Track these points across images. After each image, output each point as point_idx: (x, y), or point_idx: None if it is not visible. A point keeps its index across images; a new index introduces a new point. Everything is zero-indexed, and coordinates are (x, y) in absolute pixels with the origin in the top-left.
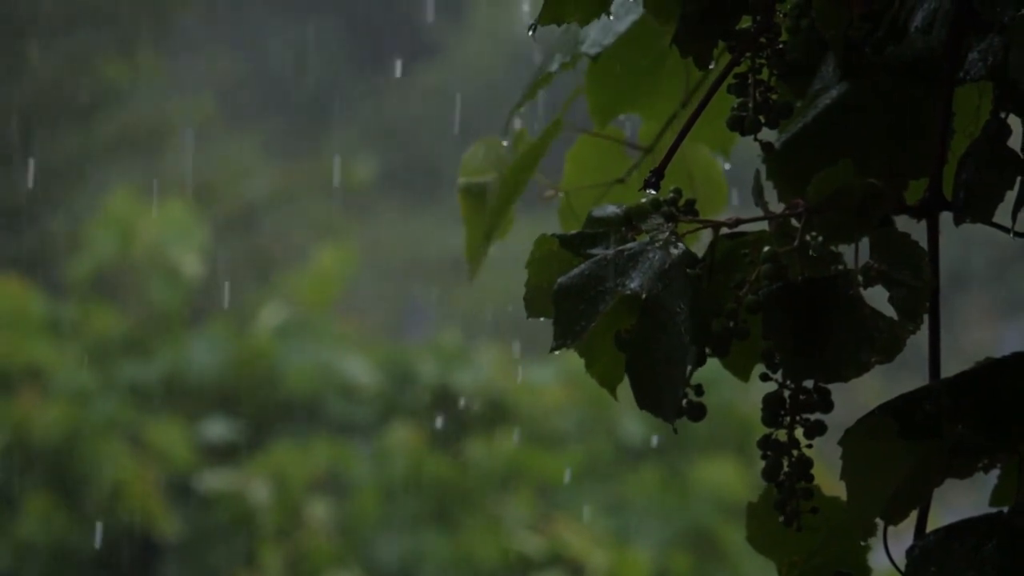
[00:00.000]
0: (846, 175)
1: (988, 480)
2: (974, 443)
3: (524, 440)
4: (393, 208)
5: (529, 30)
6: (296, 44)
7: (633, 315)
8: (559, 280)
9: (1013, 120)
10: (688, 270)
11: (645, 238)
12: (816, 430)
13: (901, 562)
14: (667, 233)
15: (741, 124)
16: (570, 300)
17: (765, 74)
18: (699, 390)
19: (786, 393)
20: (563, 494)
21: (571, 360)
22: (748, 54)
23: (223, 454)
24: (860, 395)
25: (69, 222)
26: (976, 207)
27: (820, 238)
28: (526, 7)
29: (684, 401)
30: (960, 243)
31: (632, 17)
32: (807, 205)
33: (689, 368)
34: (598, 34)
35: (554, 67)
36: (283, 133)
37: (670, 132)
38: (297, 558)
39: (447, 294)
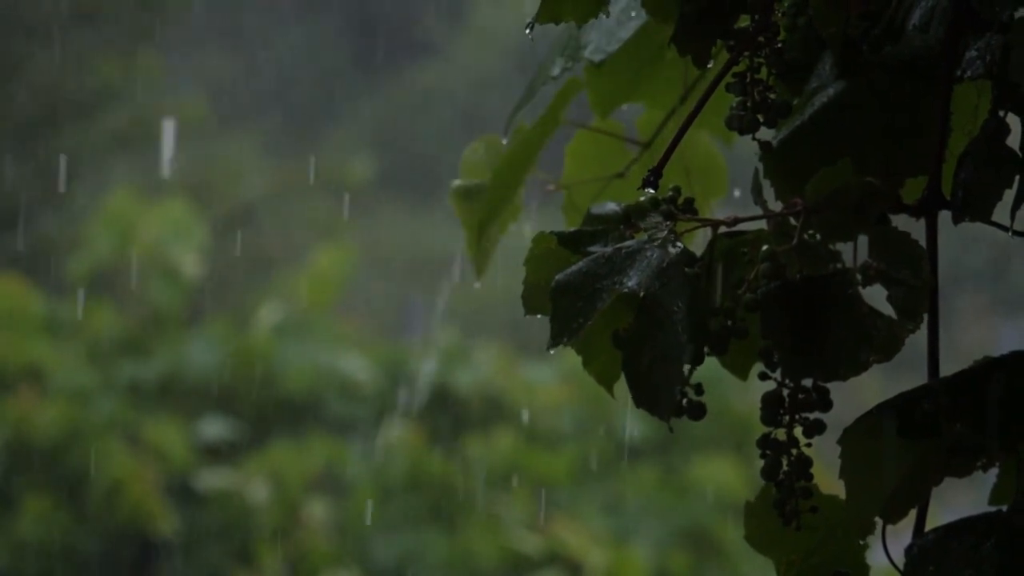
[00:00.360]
0: (844, 174)
1: (987, 479)
2: (973, 442)
3: (522, 439)
4: (392, 207)
5: (527, 29)
6: (295, 43)
7: (631, 313)
8: (557, 277)
9: (1012, 119)
10: (686, 269)
11: (643, 236)
12: (815, 429)
13: (900, 561)
14: (665, 231)
15: (739, 123)
16: (567, 297)
17: (763, 73)
18: (699, 389)
19: (785, 392)
20: (561, 493)
21: (569, 359)
22: (746, 53)
23: (221, 453)
24: (859, 394)
25: (67, 221)
26: (975, 206)
27: (818, 237)
28: (525, 6)
29: (684, 400)
30: (958, 242)
31: (636, 23)
32: (805, 204)
33: (687, 367)
34: (602, 39)
35: (556, 71)
36: (281, 132)
37: (669, 126)
38: (295, 557)
39: (445, 293)
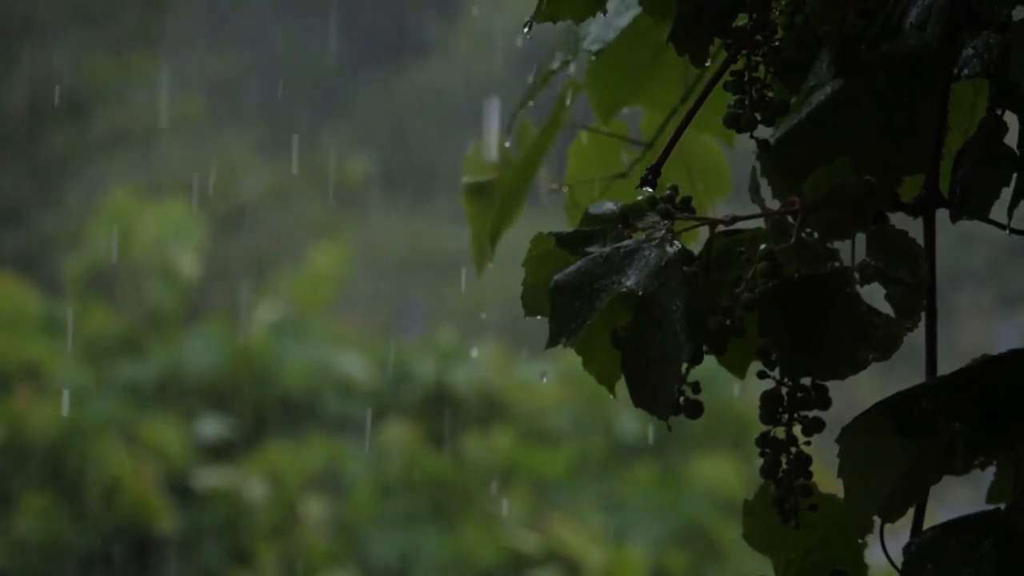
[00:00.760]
0: (842, 172)
1: (985, 477)
2: (971, 440)
3: (520, 438)
4: (389, 206)
5: (525, 27)
6: (291, 42)
7: (630, 313)
8: (555, 277)
9: (1009, 117)
10: (684, 268)
11: (641, 236)
12: (814, 427)
13: (898, 559)
14: (663, 231)
15: (737, 121)
16: (566, 297)
17: (761, 71)
18: (696, 387)
19: (784, 390)
20: (559, 492)
21: (567, 358)
22: (744, 51)
23: (219, 452)
24: (856, 393)
25: (64, 221)
26: (972, 204)
27: (816, 235)
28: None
29: (681, 399)
30: (956, 240)
31: (633, 12)
32: (803, 202)
33: (685, 366)
34: (599, 30)
35: (555, 65)
36: (278, 131)
37: (671, 125)
38: (293, 556)
39: (443, 292)
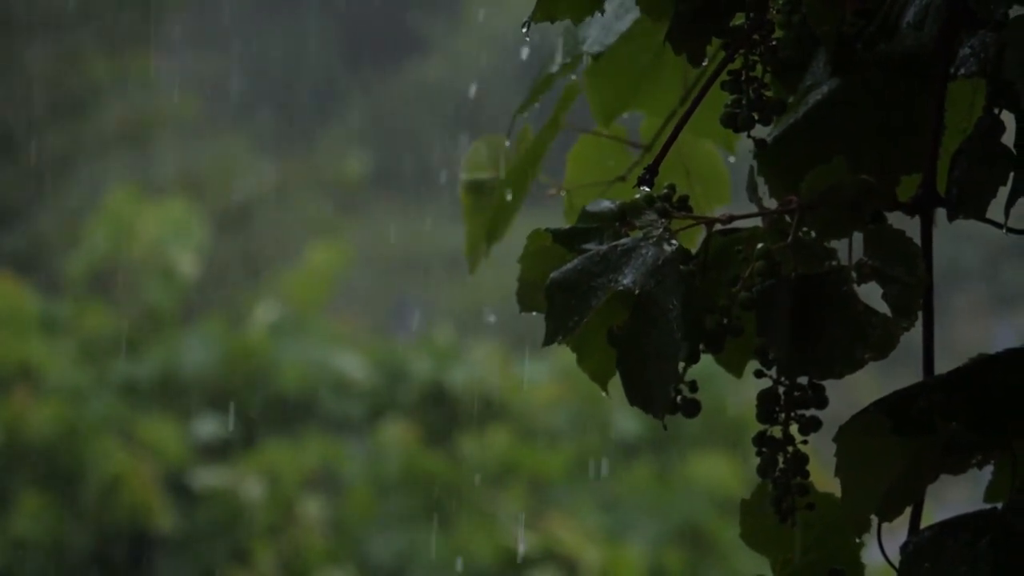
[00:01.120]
0: (839, 171)
1: (982, 476)
2: (968, 439)
3: (517, 436)
4: (387, 205)
5: (523, 27)
6: (289, 41)
7: (626, 311)
8: (552, 275)
9: (1006, 116)
10: (681, 266)
11: (639, 234)
12: (811, 426)
13: (895, 558)
14: (660, 229)
15: (735, 121)
16: (562, 295)
17: (759, 71)
18: (693, 386)
19: (780, 389)
20: (556, 491)
21: (564, 357)
22: (741, 51)
23: (216, 451)
24: (853, 392)
25: (61, 221)
26: (969, 203)
27: (813, 234)
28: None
29: (678, 397)
30: (952, 239)
31: (633, 16)
32: (800, 201)
33: (681, 365)
34: (599, 33)
35: (555, 68)
36: (275, 131)
37: (669, 128)
38: (290, 555)
39: (440, 291)
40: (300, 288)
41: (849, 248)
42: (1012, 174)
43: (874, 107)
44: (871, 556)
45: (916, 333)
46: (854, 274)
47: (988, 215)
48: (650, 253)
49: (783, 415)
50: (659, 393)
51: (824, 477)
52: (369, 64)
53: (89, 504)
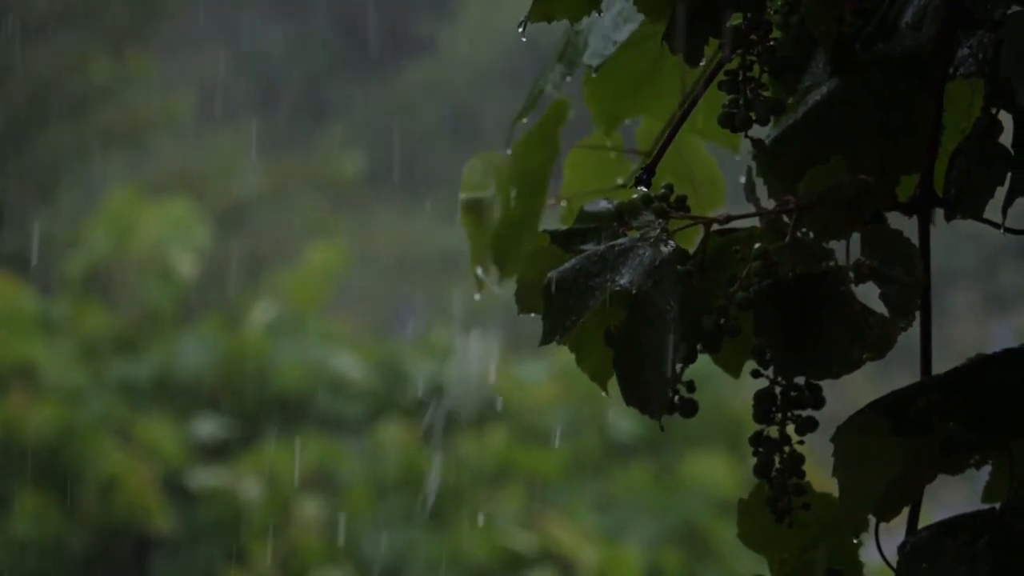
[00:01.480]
0: (837, 172)
1: (980, 477)
2: (966, 440)
3: (515, 437)
4: (384, 205)
5: (519, 27)
6: (286, 41)
7: (623, 311)
8: (549, 275)
9: (1004, 116)
10: (678, 266)
11: (636, 234)
12: (808, 426)
13: (893, 558)
14: (658, 230)
15: (732, 121)
16: (560, 295)
17: (756, 71)
18: (691, 386)
19: (777, 390)
20: (553, 491)
21: (562, 357)
22: (739, 51)
23: (214, 451)
24: (850, 392)
25: (60, 220)
26: (967, 203)
27: (811, 235)
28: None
29: (676, 397)
30: (950, 239)
31: (631, 26)
32: (798, 202)
33: (679, 365)
34: (598, 44)
35: (552, 79)
36: (273, 130)
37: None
38: (288, 555)
39: (438, 291)
40: (298, 288)
41: (847, 248)
42: (1010, 174)
43: (873, 107)
44: (869, 556)
45: (913, 333)
46: (852, 274)
47: (986, 215)
48: (647, 253)
49: (780, 415)
50: (656, 393)
51: (822, 477)
52: (367, 64)
53: (87, 504)
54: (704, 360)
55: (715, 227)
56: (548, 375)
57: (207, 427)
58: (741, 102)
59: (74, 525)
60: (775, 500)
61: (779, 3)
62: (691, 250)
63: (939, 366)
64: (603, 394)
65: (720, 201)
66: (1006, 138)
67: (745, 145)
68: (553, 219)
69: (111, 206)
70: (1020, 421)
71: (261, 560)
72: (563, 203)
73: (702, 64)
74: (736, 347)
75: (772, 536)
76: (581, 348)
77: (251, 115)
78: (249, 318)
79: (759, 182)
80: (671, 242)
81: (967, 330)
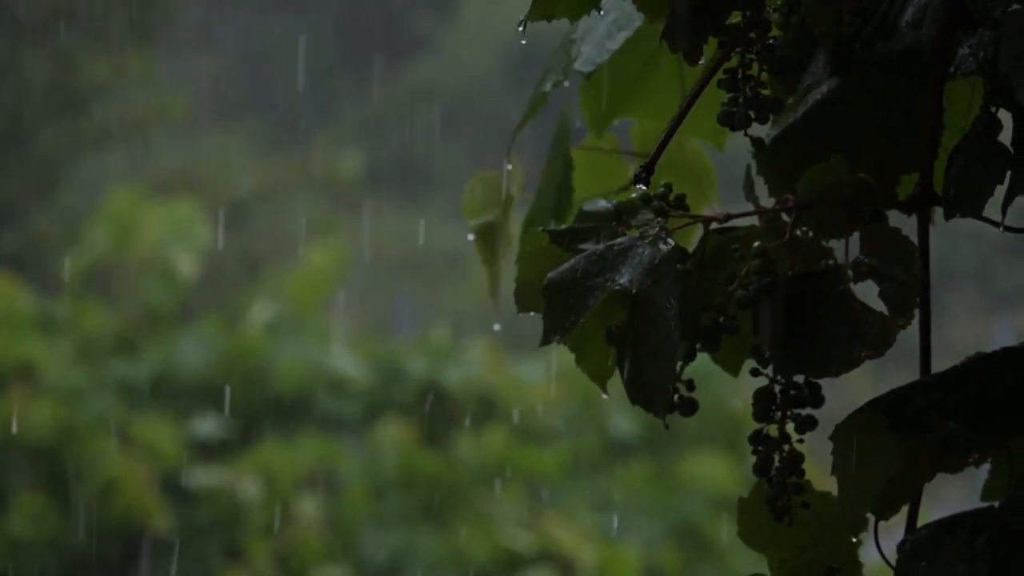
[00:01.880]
0: (837, 170)
1: (979, 475)
2: (965, 438)
3: (514, 436)
4: (383, 205)
5: (519, 26)
6: (284, 41)
7: (624, 310)
8: (549, 275)
9: (1003, 115)
10: (678, 265)
11: (635, 233)
12: (807, 425)
13: (892, 557)
14: (657, 228)
15: (731, 119)
16: (560, 295)
17: (755, 69)
18: (691, 385)
19: (777, 388)
20: (553, 490)
21: (561, 356)
22: (738, 49)
23: (213, 451)
24: (850, 390)
25: (59, 219)
26: (966, 202)
27: (810, 233)
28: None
29: (676, 396)
30: (949, 238)
31: (625, 34)
32: (797, 200)
33: (679, 363)
34: (592, 51)
35: (547, 87)
36: (271, 130)
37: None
38: (287, 554)
39: (437, 291)
40: (297, 288)
41: (846, 247)
42: (1009, 172)
43: (873, 106)
44: (868, 555)
45: (912, 332)
46: (851, 273)
47: (985, 213)
48: (647, 252)
49: (779, 414)
50: (658, 392)
51: (821, 476)
52: (366, 63)
53: (86, 503)
54: (703, 359)
55: (714, 226)
56: (547, 375)
57: (206, 427)
58: (740, 100)
59: (73, 524)
60: (775, 499)
61: (779, 2)
62: (690, 249)
63: (938, 364)
64: (604, 396)
65: (713, 195)
66: (1005, 136)
67: (740, 143)
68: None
69: (113, 205)
70: (1019, 419)
71: (260, 559)
72: None
73: (701, 62)
74: (735, 345)
75: (772, 535)
76: (581, 348)
77: (250, 114)
78: (248, 318)
79: (758, 181)
80: (670, 241)
81: (966, 329)
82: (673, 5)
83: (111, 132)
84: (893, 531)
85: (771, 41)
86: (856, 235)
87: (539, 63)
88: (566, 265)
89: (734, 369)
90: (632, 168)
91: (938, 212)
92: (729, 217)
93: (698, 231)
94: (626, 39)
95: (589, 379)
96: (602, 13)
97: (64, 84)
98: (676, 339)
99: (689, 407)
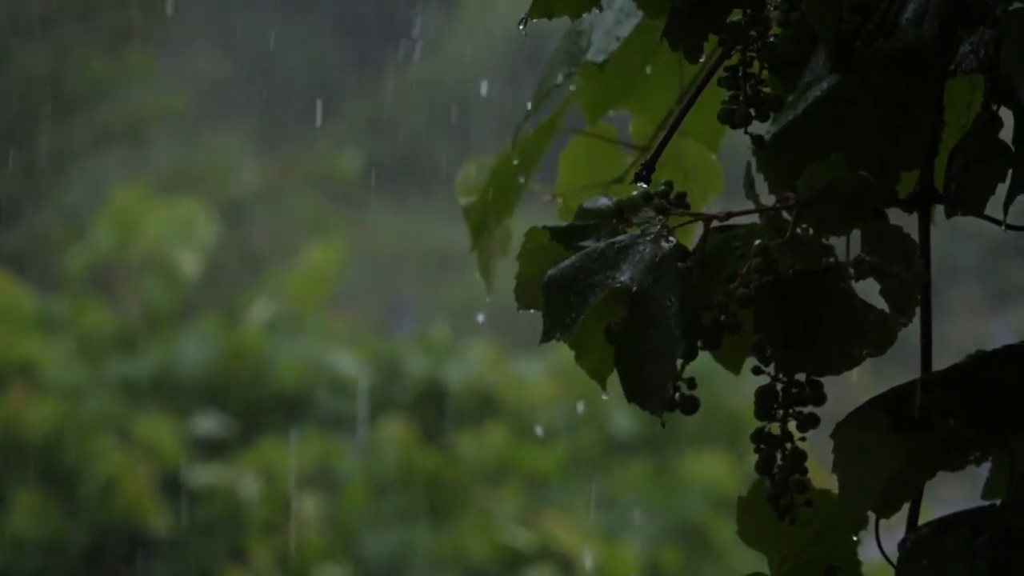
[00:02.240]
0: (837, 168)
1: (980, 473)
2: (966, 436)
3: (514, 434)
4: (383, 203)
5: (520, 24)
6: (284, 38)
7: (624, 308)
8: (549, 272)
9: (1004, 113)
10: (679, 263)
11: (636, 231)
12: (809, 423)
13: (893, 555)
14: (658, 226)
15: (732, 117)
16: (560, 292)
17: (756, 67)
18: (691, 383)
19: (778, 386)
20: (553, 488)
21: (561, 354)
22: (739, 47)
23: (213, 449)
24: (851, 388)
25: (59, 218)
26: (967, 200)
27: (811, 231)
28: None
29: (676, 394)
30: (949, 236)
31: (634, 20)
32: (798, 198)
33: (679, 361)
34: (602, 40)
35: (559, 79)
36: (271, 128)
37: (664, 129)
38: (287, 553)
39: (437, 289)
40: (297, 286)
41: (847, 245)
42: (1011, 171)
43: (874, 104)
44: (868, 553)
45: (913, 329)
46: (852, 270)
47: (987, 212)
48: (647, 250)
49: (781, 412)
50: (657, 390)
51: (821, 474)
52: (366, 61)
53: (86, 502)
54: (703, 358)
55: (715, 224)
56: (547, 373)
57: (206, 425)
58: (741, 98)
59: (73, 523)
60: (777, 497)
61: (779, 0)
62: (691, 247)
63: (939, 362)
64: (604, 395)
65: (718, 190)
66: (1007, 134)
67: (740, 141)
68: (547, 210)
69: (117, 204)
70: (1020, 418)
71: (260, 558)
72: (558, 200)
73: (701, 60)
74: (736, 344)
75: (772, 533)
76: (581, 346)
77: (249, 113)
78: (248, 316)
79: (759, 178)
80: (671, 238)
81: (967, 327)
82: (674, 2)
83: (112, 131)
84: (894, 530)
85: (771, 39)
86: (857, 233)
87: (541, 62)
88: (566, 262)
89: (735, 367)
90: (628, 160)
91: (939, 210)
92: (730, 215)
93: (698, 229)
94: (633, 27)
95: (589, 377)
96: (605, 7)
97: (65, 82)
98: (676, 337)
99: (690, 405)
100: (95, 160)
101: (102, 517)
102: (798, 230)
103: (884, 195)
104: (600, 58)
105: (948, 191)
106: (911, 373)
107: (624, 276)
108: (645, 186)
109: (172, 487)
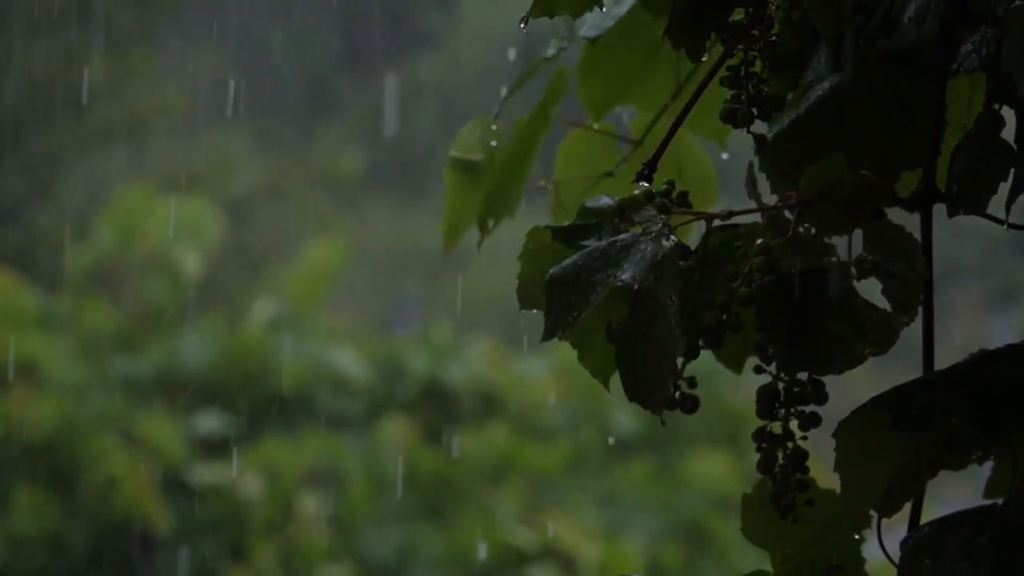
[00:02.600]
0: (839, 167)
1: (982, 472)
2: (968, 435)
3: (515, 433)
4: (384, 201)
5: (521, 22)
6: (285, 38)
7: (625, 307)
8: (551, 271)
9: (1006, 112)
10: (680, 262)
11: (638, 230)
12: (811, 422)
13: (895, 554)
14: (660, 225)
15: (734, 116)
16: (561, 290)
17: (758, 66)
18: (692, 382)
19: (780, 385)
20: (554, 487)
21: (562, 353)
22: (741, 46)
23: (215, 448)
24: (852, 387)
25: (60, 217)
26: (969, 199)
27: (813, 230)
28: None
29: (677, 393)
30: (951, 235)
31: (630, 2)
32: (800, 197)
33: (680, 360)
34: (596, 18)
35: (551, 52)
36: (273, 127)
37: (661, 124)
38: (289, 552)
39: (438, 287)
40: (298, 285)
41: (848, 244)
42: (1012, 170)
43: (875, 103)
44: (871, 552)
45: (915, 329)
46: (854, 270)
47: (988, 211)
48: (649, 249)
49: (783, 411)
50: (658, 389)
51: (823, 473)
52: (366, 61)
53: (87, 501)
54: (705, 357)
55: (717, 223)
56: (548, 371)
57: (207, 424)
58: (743, 97)
59: (74, 522)
60: (779, 496)
61: None
62: (692, 246)
63: (941, 362)
64: (607, 393)
65: (712, 198)
66: (1008, 134)
67: (740, 140)
68: (544, 207)
69: (119, 203)
70: (1022, 417)
71: (262, 557)
72: (548, 187)
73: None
74: (738, 343)
75: (775, 532)
76: (583, 344)
77: (251, 112)
78: (249, 315)
79: (761, 178)
80: (673, 237)
81: (969, 326)
82: (676, 1)
83: (113, 130)
84: (896, 528)
85: (774, 38)
86: (859, 232)
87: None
88: (568, 261)
89: (737, 366)
90: (623, 154)
91: (941, 209)
92: (732, 214)
93: (700, 228)
94: (632, 22)
95: (591, 375)
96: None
97: (65, 82)
98: (677, 336)
99: (691, 404)
100: (96, 159)
101: (103, 516)
102: (800, 229)
103: (886, 194)
104: (593, 34)
105: (950, 190)
106: (913, 372)
107: (626, 275)
108: (647, 185)
109: (174, 486)
